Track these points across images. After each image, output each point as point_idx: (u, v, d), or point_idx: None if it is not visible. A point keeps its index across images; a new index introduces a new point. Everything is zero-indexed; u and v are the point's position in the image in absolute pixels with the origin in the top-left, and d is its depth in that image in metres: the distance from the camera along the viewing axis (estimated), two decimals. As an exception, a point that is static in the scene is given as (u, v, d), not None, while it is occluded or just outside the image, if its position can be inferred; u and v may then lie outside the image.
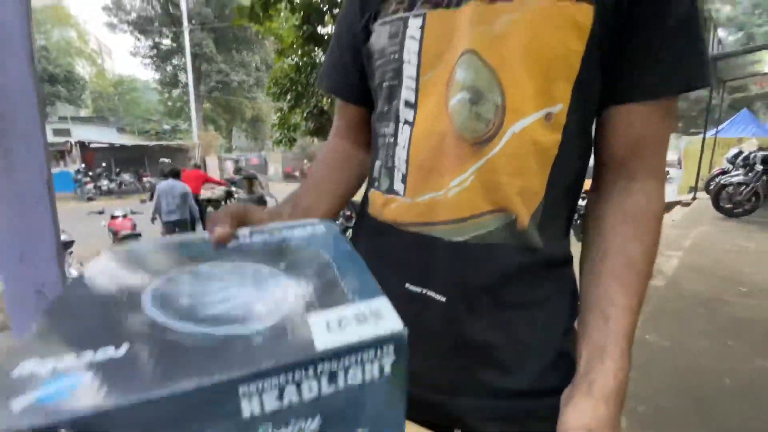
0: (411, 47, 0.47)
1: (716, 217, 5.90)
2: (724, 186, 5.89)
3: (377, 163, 0.54)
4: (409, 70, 0.48)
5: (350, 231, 0.65)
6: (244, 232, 0.37)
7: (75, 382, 0.20)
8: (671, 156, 15.99)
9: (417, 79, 0.47)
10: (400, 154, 0.49)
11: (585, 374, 0.41)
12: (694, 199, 7.56)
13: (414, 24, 0.46)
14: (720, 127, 10.25)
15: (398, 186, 0.50)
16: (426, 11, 0.46)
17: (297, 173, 21.10)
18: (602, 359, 0.41)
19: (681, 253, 4.13)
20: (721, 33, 19.55)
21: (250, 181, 5.10)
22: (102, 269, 0.31)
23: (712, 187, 6.48)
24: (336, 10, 4.52)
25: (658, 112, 0.45)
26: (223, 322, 0.25)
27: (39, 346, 0.23)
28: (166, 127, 21.79)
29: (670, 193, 10.66)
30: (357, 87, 0.58)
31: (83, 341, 0.23)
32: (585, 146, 0.49)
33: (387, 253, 0.52)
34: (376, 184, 0.55)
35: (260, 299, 0.28)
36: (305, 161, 22.14)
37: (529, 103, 0.43)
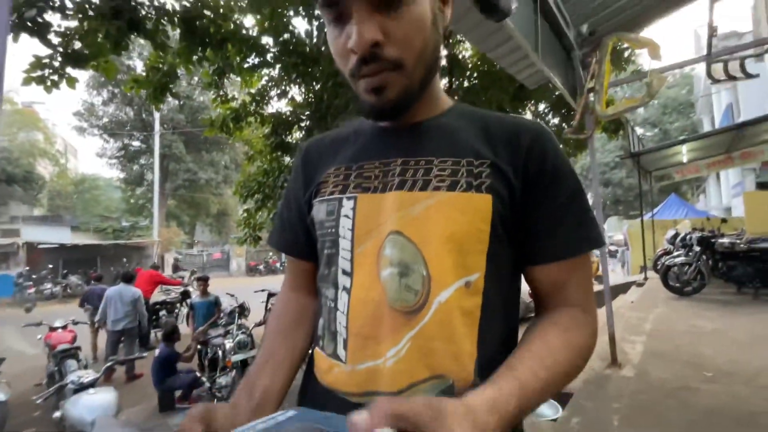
0: (345, 224, 0.54)
1: (669, 297, 6.18)
2: (670, 267, 6.30)
3: (321, 322, 0.57)
4: (344, 243, 0.54)
5: None
6: None
7: None
8: (618, 236, 17.24)
9: (351, 251, 0.53)
10: (341, 319, 0.53)
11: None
12: (645, 279, 7.97)
13: (347, 204, 0.54)
14: (655, 210, 11.39)
15: (341, 352, 0.52)
16: (357, 194, 0.54)
17: (261, 266, 20.53)
18: (485, 386, 0.40)
19: (644, 338, 4.20)
20: (639, 130, 22.91)
21: (203, 282, 4.89)
22: None
23: (659, 267, 6.91)
24: (302, 123, 4.94)
25: (570, 265, 0.53)
26: None
27: None
28: (125, 224, 21.18)
29: (622, 273, 11.22)
30: (305, 245, 0.64)
31: None
32: (507, 303, 0.54)
33: None
34: (321, 343, 0.57)
35: None
36: (270, 254, 21.76)
37: (449, 273, 0.49)
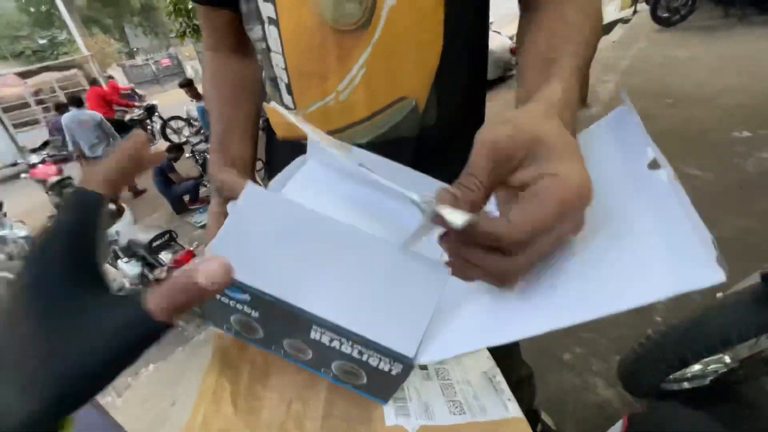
0: None
1: (654, 30, 5.90)
2: (662, -8, 5.73)
3: (263, 74, 0.51)
4: None
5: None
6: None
7: None
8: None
9: None
10: (277, 60, 0.45)
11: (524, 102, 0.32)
12: (635, 13, 7.41)
13: None
14: None
15: (286, 98, 0.47)
16: None
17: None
18: (547, 83, 0.31)
19: (618, 76, 4.24)
20: None
21: (189, 87, 4.64)
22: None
23: (651, -4, 6.30)
24: None
25: None
26: None
27: None
28: (41, 41, 17.90)
29: (612, 12, 10.34)
30: None
31: None
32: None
33: None
34: (267, 97, 0.52)
35: None
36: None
37: None
